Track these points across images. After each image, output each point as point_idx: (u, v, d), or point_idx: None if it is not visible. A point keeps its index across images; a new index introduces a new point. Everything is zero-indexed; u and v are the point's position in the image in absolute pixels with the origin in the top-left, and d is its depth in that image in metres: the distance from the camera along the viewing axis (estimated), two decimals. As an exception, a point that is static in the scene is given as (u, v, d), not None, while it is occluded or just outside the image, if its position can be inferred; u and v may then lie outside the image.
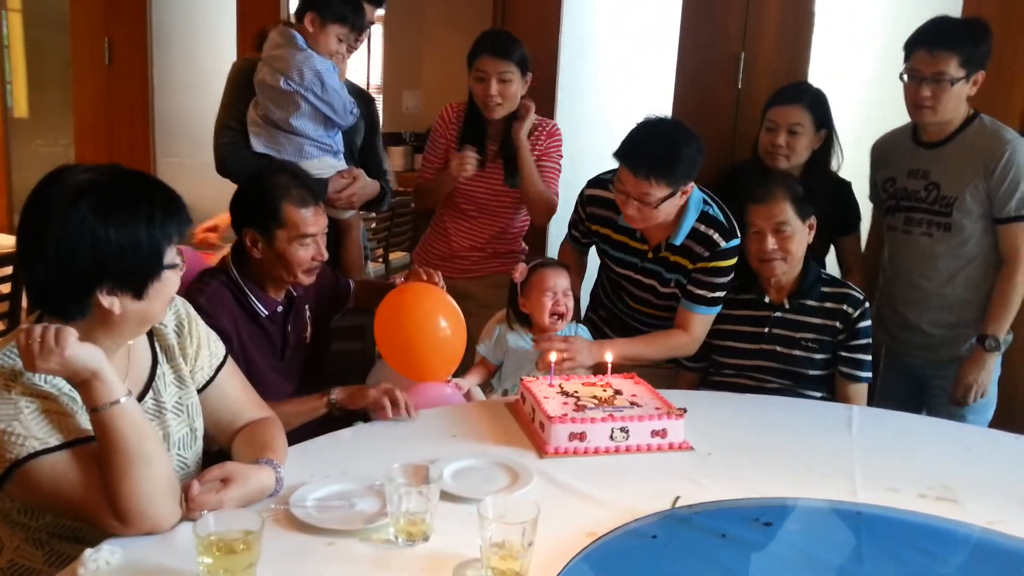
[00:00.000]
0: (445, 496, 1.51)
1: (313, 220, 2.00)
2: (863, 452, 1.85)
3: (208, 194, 2.75)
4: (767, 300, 2.34)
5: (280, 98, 2.46)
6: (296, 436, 1.80)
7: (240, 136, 2.52)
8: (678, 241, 2.32)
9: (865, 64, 3.16)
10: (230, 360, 1.70)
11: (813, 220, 2.29)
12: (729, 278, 2.34)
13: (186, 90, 4.51)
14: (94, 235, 1.32)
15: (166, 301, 1.47)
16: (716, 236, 2.30)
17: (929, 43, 2.33)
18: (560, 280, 2.32)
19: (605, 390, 1.98)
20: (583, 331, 2.45)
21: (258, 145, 2.50)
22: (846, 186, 2.67)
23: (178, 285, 1.47)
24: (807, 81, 2.92)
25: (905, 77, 2.40)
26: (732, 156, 2.96)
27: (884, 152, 2.65)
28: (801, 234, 2.26)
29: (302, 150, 2.50)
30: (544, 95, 3.16)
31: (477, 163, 2.70)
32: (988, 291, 2.44)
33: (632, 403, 1.90)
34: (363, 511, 1.46)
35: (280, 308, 2.08)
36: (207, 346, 1.65)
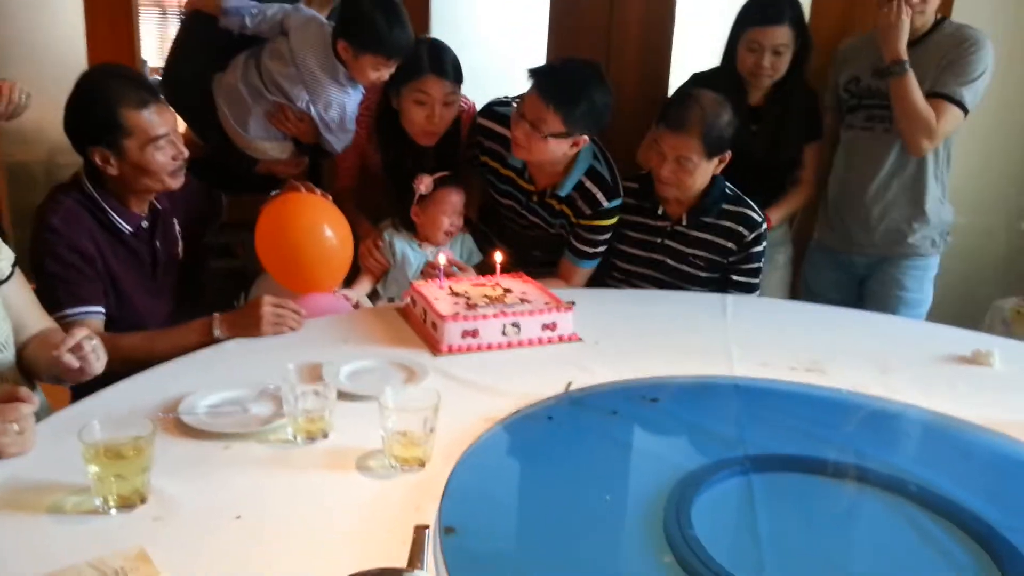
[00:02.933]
0: (342, 396, 1.50)
1: (159, 120, 1.83)
2: (738, 333, 1.97)
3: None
4: (661, 212, 2.35)
5: (287, 98, 2.26)
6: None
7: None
8: (563, 192, 2.32)
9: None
10: (18, 270, 1.64)
11: (727, 155, 2.24)
12: (610, 234, 2.38)
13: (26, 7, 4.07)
14: None
15: None
16: (600, 195, 2.31)
17: None
18: (459, 200, 2.32)
19: (495, 289, 2.01)
20: (469, 241, 2.46)
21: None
22: (812, 93, 2.66)
23: None
24: None
25: None
26: (607, 59, 2.96)
27: (851, 53, 2.63)
28: (704, 169, 2.23)
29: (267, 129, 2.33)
30: (418, 13, 3.03)
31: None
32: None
33: (522, 299, 1.94)
34: (258, 414, 1.44)
35: (145, 223, 1.95)
36: (1, 245, 1.61)
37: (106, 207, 1.87)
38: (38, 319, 1.68)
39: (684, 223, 2.34)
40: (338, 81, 2.23)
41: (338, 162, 2.55)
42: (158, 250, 1.99)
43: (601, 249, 2.40)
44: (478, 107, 2.51)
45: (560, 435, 1.44)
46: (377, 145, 2.46)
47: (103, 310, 1.85)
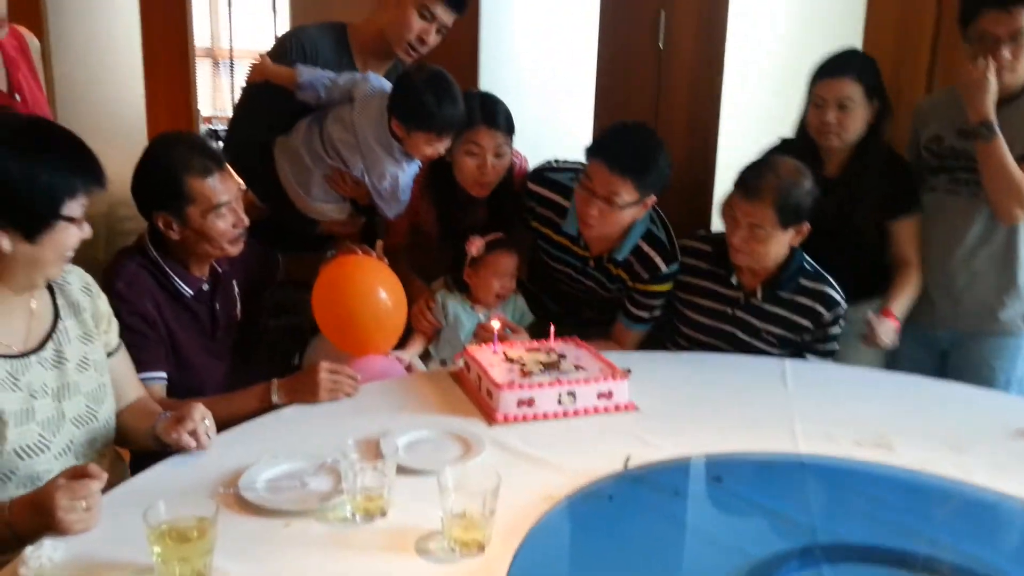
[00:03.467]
0: (400, 470, 1.48)
1: (222, 187, 1.87)
2: (800, 403, 1.92)
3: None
4: (735, 282, 2.26)
5: (344, 164, 2.28)
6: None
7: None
8: (621, 257, 2.31)
9: (779, 23, 3.20)
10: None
11: (804, 226, 2.15)
12: (666, 299, 2.35)
13: (87, 66, 4.22)
14: None
15: (60, 254, 1.47)
16: (658, 259, 2.29)
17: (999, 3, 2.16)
18: (512, 263, 2.33)
19: (549, 355, 1.99)
20: (520, 301, 2.45)
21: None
22: (901, 162, 2.42)
23: (76, 242, 1.47)
24: (854, 48, 2.54)
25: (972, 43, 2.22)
26: (655, 121, 2.96)
27: (931, 110, 2.44)
28: (779, 240, 2.13)
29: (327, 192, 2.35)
30: (466, 66, 3.07)
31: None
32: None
33: (577, 367, 1.91)
34: (316, 490, 1.43)
35: (205, 286, 1.98)
36: (112, 317, 1.69)
37: (168, 271, 1.91)
38: (135, 388, 1.75)
39: (758, 296, 2.24)
40: (393, 156, 2.25)
41: (390, 220, 2.56)
42: (218, 312, 2.02)
43: (656, 313, 2.37)
44: (530, 163, 2.52)
45: (622, 516, 1.41)
46: (430, 198, 2.48)
47: (165, 375, 1.87)
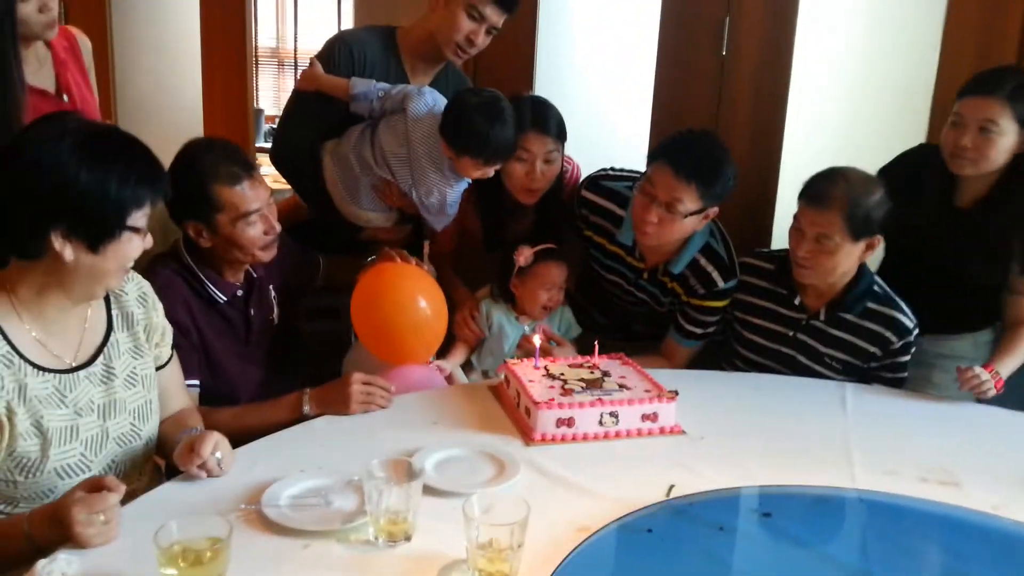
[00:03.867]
0: (428, 491, 1.42)
1: (252, 195, 1.83)
2: (859, 433, 1.79)
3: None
4: (798, 302, 2.13)
5: (393, 175, 2.24)
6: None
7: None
8: (677, 270, 2.20)
9: (855, 29, 3.05)
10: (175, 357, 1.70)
11: (875, 239, 2.01)
12: (721, 315, 2.25)
13: (149, 69, 4.28)
14: (64, 170, 1.31)
15: (122, 265, 1.43)
16: (715, 275, 2.19)
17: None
18: (561, 274, 2.25)
19: (592, 372, 1.91)
20: (568, 313, 2.37)
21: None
22: None
23: (138, 253, 1.44)
24: (1011, 66, 2.29)
25: None
26: (716, 132, 2.84)
27: None
28: (848, 252, 1.99)
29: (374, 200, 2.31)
30: (521, 68, 3.00)
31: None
32: None
33: (621, 385, 1.83)
34: (340, 509, 1.37)
35: (240, 292, 1.95)
36: (167, 329, 1.66)
37: (202, 277, 1.88)
38: (181, 399, 1.72)
39: (822, 318, 2.12)
40: (443, 173, 2.19)
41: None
42: (252, 317, 1.99)
43: (711, 330, 2.27)
44: (583, 170, 2.44)
45: (660, 552, 1.32)
46: (476, 204, 2.42)
47: (199, 383, 1.85)
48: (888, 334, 2.08)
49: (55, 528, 1.24)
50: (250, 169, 1.87)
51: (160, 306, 1.63)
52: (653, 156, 2.11)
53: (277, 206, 1.98)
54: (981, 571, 1.32)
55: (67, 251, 1.34)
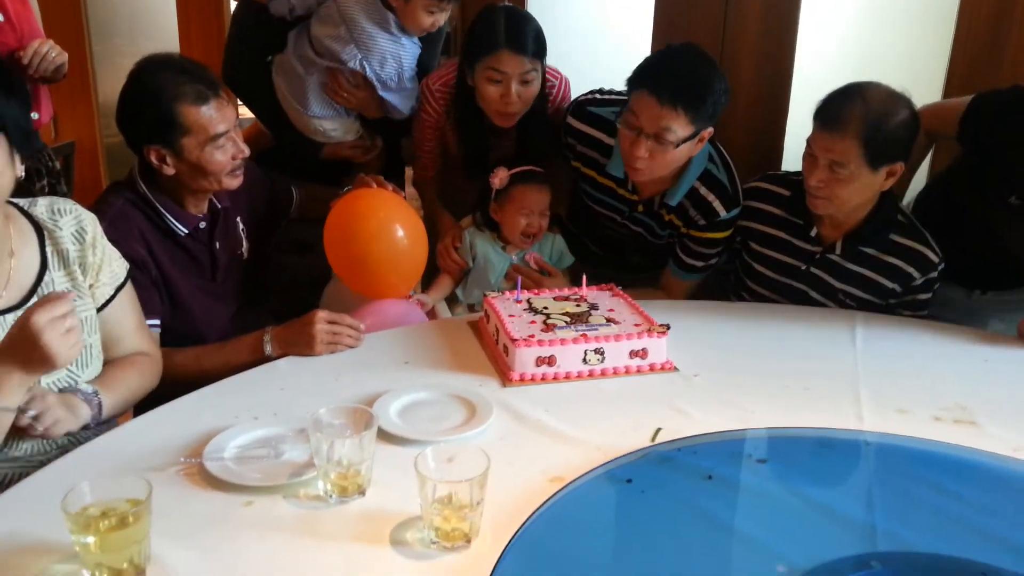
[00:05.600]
0: (387, 438, 1.31)
1: (220, 116, 1.67)
2: (869, 368, 1.65)
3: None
4: (814, 234, 1.97)
5: (339, 61, 2.10)
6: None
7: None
8: (674, 201, 2.02)
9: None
10: (129, 284, 1.53)
11: (897, 166, 1.81)
12: (722, 248, 2.08)
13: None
14: None
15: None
16: (716, 204, 2.01)
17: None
18: (540, 198, 2.08)
19: (579, 305, 1.76)
20: (560, 242, 2.21)
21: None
22: None
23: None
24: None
25: None
26: (721, 52, 2.58)
27: None
28: (865, 182, 1.81)
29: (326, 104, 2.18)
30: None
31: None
32: None
33: (609, 319, 1.68)
34: (291, 461, 1.25)
35: (203, 224, 1.80)
36: (110, 263, 1.49)
37: (160, 208, 1.73)
38: (136, 341, 1.55)
39: (838, 251, 1.95)
40: (390, 32, 2.05)
41: (416, 147, 2.34)
42: (217, 251, 1.84)
43: (712, 262, 2.10)
44: (582, 88, 2.24)
45: (640, 506, 1.19)
46: (456, 128, 2.24)
47: (158, 322, 1.71)
48: (911, 269, 1.91)
49: (18, 355, 1.18)
50: (216, 87, 1.69)
51: (101, 242, 1.47)
52: (632, 84, 1.89)
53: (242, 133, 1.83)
54: (1000, 521, 1.18)
55: None
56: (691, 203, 2.03)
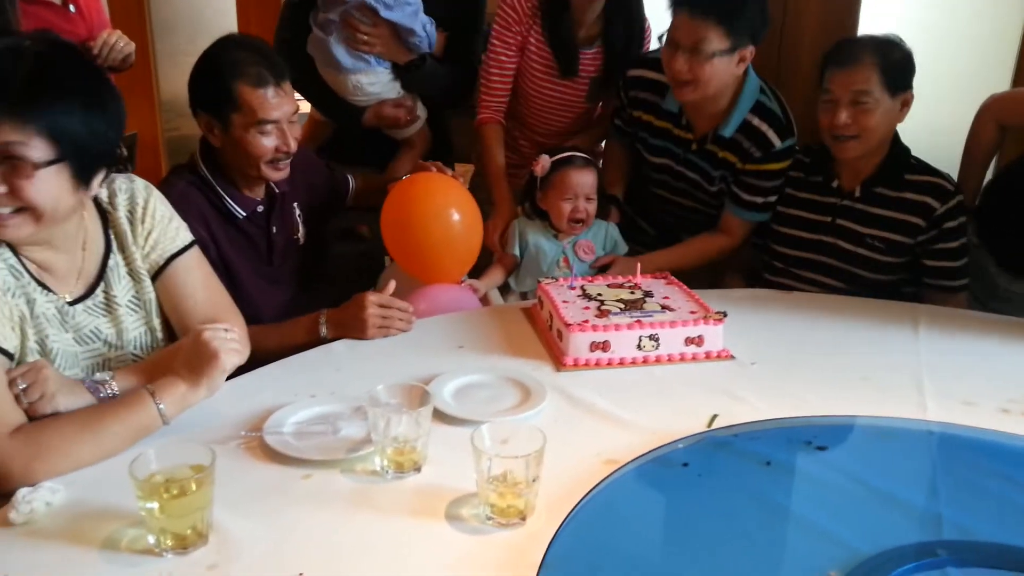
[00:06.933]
0: (443, 418, 1.32)
1: (273, 103, 1.71)
2: (933, 359, 1.60)
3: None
4: (835, 185, 2.02)
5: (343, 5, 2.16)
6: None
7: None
8: (728, 133, 2.04)
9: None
10: (195, 252, 1.50)
11: (909, 95, 1.92)
12: (781, 182, 2.09)
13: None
14: None
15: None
16: (770, 133, 2.02)
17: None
18: (584, 181, 2.07)
19: (633, 292, 1.75)
20: (613, 230, 2.19)
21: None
22: None
23: None
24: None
25: None
26: (784, 21, 2.55)
27: None
28: (886, 110, 1.90)
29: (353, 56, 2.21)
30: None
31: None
32: None
33: (664, 307, 1.67)
34: (348, 437, 1.27)
35: (260, 208, 1.84)
36: (164, 232, 1.45)
37: (220, 191, 1.77)
38: (204, 310, 1.48)
39: (858, 195, 2.00)
40: None
41: (484, 90, 2.33)
42: (274, 236, 1.88)
43: (772, 199, 2.11)
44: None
45: (696, 490, 1.18)
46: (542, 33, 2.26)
47: None
48: (929, 200, 1.94)
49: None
50: (280, 77, 1.74)
51: (151, 210, 1.43)
52: (670, 4, 1.96)
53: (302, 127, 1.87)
54: (1070, 516, 1.14)
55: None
56: (745, 136, 2.05)
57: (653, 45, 2.33)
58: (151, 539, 1.02)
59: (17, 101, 1.15)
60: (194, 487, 1.03)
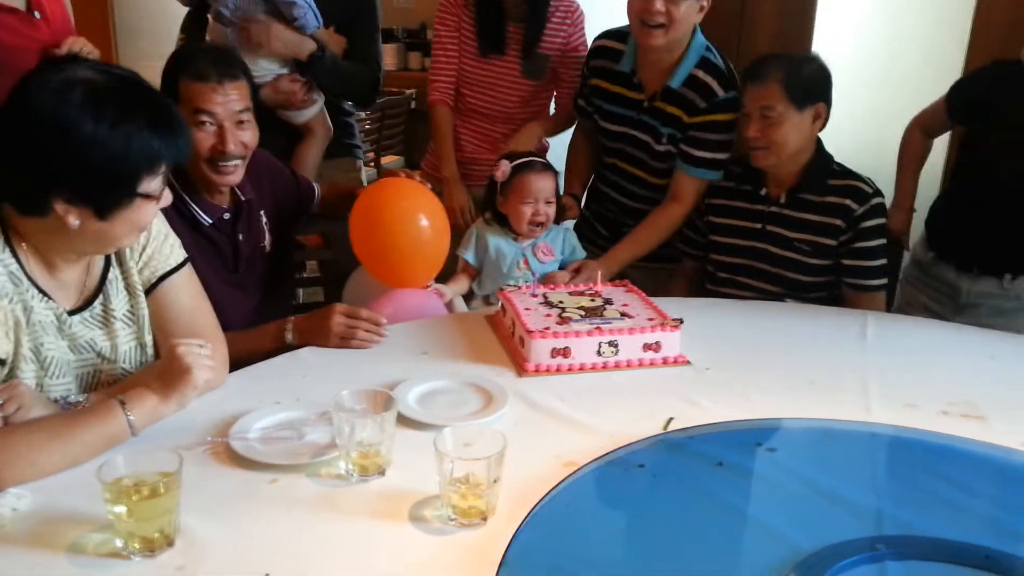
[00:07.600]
0: (407, 423, 1.35)
1: (213, 98, 1.70)
2: (878, 364, 1.67)
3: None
4: (764, 193, 2.12)
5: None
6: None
7: None
8: (675, 84, 2.17)
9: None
10: (186, 272, 1.52)
11: (821, 108, 2.00)
12: (728, 136, 2.18)
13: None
14: (69, 124, 1.19)
15: (135, 229, 1.32)
16: (714, 84, 2.15)
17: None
18: (544, 186, 2.11)
19: (593, 300, 1.80)
20: (571, 236, 2.25)
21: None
22: None
23: (152, 217, 1.34)
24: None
25: None
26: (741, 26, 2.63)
27: None
28: (795, 123, 1.98)
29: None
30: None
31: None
32: None
33: (623, 314, 1.72)
34: (313, 442, 1.30)
35: (227, 215, 1.85)
36: (159, 249, 1.48)
37: (186, 197, 1.79)
38: (190, 324, 1.50)
39: (783, 201, 2.09)
40: None
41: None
42: (240, 243, 1.89)
43: (720, 156, 2.19)
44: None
45: (651, 490, 1.23)
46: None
47: None
48: (847, 202, 2.03)
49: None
50: (225, 77, 1.73)
51: (147, 234, 1.45)
52: None
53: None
54: (1005, 513, 1.21)
55: (71, 218, 1.23)
56: (690, 88, 2.16)
57: (592, 26, 2.47)
58: (119, 543, 1.04)
59: None
60: (162, 490, 1.05)
